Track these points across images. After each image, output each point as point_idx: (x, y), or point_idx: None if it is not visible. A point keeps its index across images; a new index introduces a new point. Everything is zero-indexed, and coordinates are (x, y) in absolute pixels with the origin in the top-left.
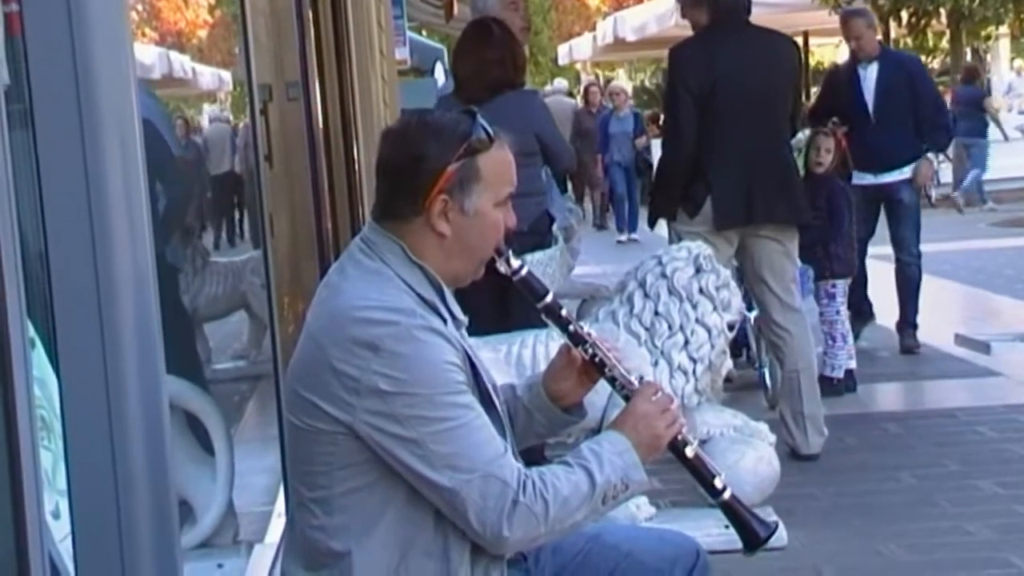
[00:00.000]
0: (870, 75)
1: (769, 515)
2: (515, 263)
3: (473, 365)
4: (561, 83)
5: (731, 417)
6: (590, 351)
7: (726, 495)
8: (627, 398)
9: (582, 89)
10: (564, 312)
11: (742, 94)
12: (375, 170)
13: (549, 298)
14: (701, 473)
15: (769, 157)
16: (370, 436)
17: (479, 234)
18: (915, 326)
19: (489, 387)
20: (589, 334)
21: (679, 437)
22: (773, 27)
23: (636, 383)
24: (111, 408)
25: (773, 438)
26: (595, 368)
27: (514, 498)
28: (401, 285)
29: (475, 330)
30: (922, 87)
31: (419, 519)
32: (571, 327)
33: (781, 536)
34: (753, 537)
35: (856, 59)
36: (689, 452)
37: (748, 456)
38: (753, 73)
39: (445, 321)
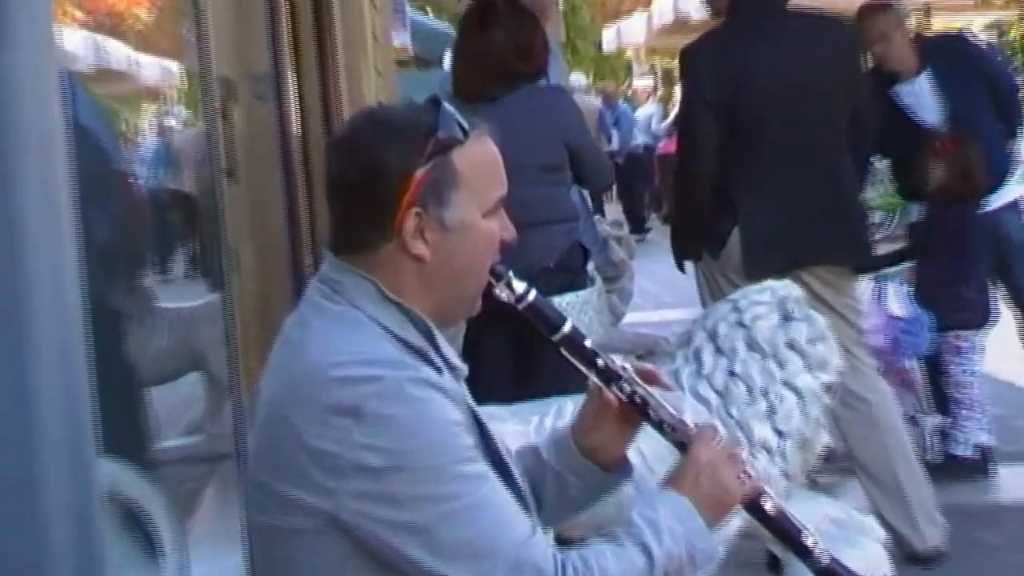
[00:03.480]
0: (919, 90)
1: None
2: (519, 286)
3: (480, 425)
4: (579, 78)
5: (829, 508)
6: (627, 389)
7: (824, 559)
8: (681, 446)
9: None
10: (589, 343)
11: (777, 99)
12: (327, 194)
13: (567, 327)
14: (787, 532)
15: (818, 178)
16: (360, 526)
17: (468, 253)
18: None
19: (503, 452)
20: (624, 368)
21: (754, 489)
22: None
23: (691, 426)
24: (31, 500)
25: (884, 534)
26: (636, 410)
27: None
28: (379, 331)
29: (493, 394)
30: (994, 71)
31: None
32: (600, 361)
33: None
34: None
35: (881, 74)
36: (769, 507)
37: (853, 559)
38: (791, 72)
39: (440, 371)
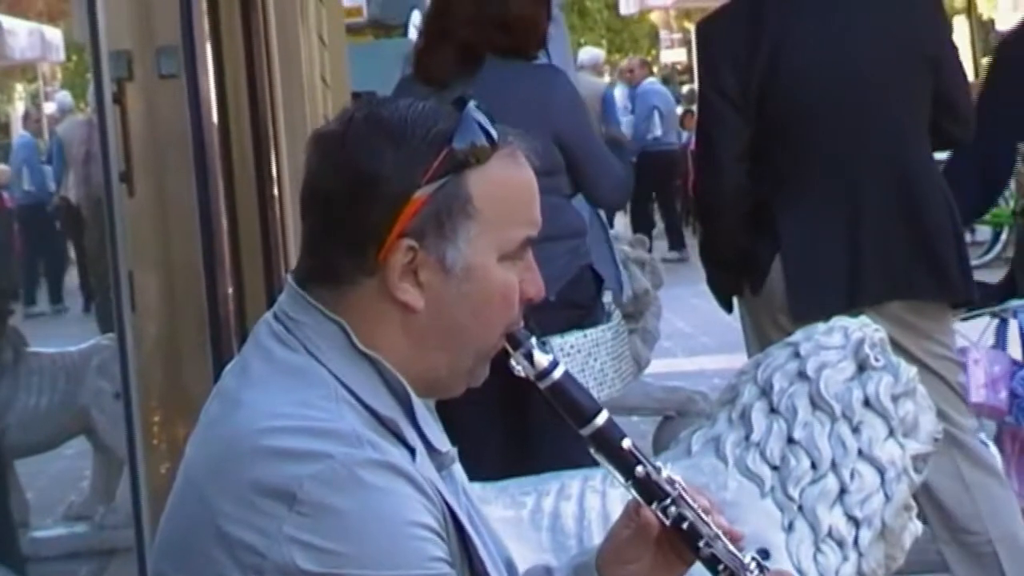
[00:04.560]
0: None
1: None
2: (543, 360)
3: (461, 529)
4: (594, 53)
5: None
6: (673, 511)
7: None
8: None
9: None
10: (628, 444)
11: (824, 87)
12: (300, 202)
13: (601, 419)
14: None
15: (886, 186)
16: None
17: (473, 307)
18: None
19: (492, 571)
20: (671, 481)
21: None
22: None
23: (753, 567)
24: None
25: None
26: (682, 540)
27: None
28: (340, 392)
29: (475, 469)
30: None
31: None
32: (640, 470)
33: None
34: None
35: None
36: None
37: None
38: (843, 48)
39: (412, 453)
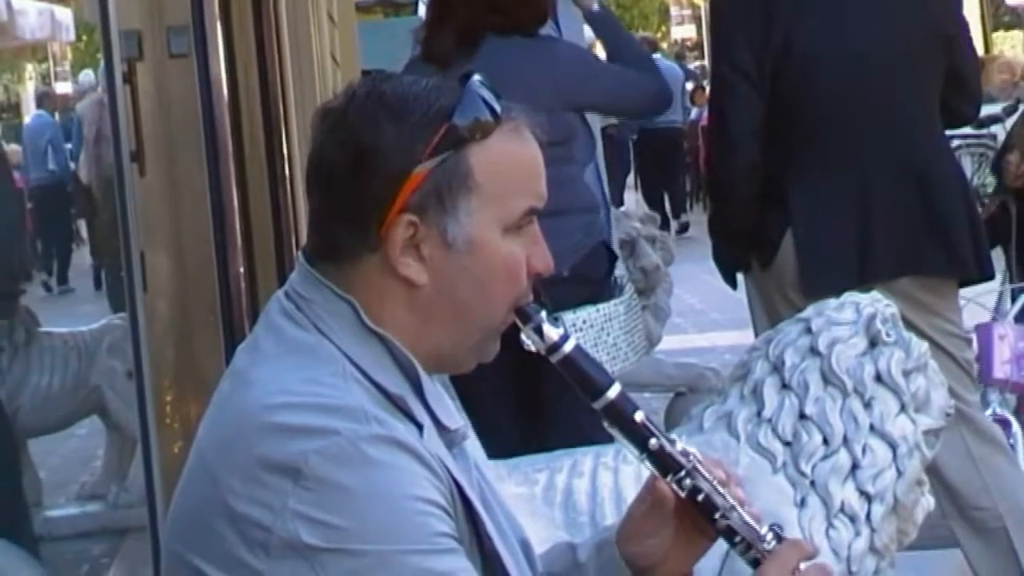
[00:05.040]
0: None
1: None
2: (553, 333)
3: (470, 506)
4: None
5: None
6: (688, 483)
7: None
8: (755, 563)
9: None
10: (640, 416)
11: (838, 63)
12: (306, 177)
13: (614, 391)
14: None
15: (898, 163)
16: None
17: (477, 280)
18: None
19: (502, 549)
20: (686, 453)
21: None
22: None
23: (770, 538)
24: None
25: None
26: (700, 513)
27: None
28: (348, 369)
29: (489, 445)
30: None
31: None
32: (654, 443)
33: None
34: None
35: None
36: None
37: None
38: (859, 25)
39: (420, 429)
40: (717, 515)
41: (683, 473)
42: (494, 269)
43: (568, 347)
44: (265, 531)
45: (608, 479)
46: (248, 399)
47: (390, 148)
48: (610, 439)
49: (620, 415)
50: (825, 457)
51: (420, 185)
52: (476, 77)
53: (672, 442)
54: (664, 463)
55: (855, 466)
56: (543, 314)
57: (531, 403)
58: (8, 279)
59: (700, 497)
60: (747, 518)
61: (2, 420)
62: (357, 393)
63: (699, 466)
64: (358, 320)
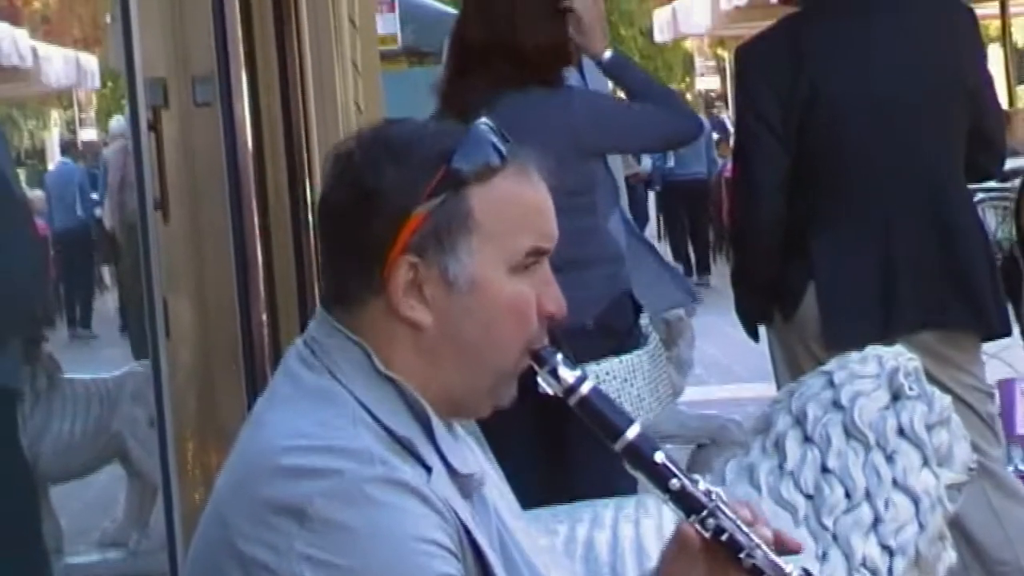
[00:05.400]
0: None
1: None
2: (569, 376)
3: (479, 550)
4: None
5: None
6: (712, 523)
7: None
8: None
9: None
10: (661, 457)
11: (868, 113)
12: (316, 222)
13: (633, 432)
14: None
15: (923, 216)
16: None
17: (483, 322)
18: None
19: None
20: (708, 493)
21: None
22: None
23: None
24: None
25: None
26: (725, 552)
27: None
28: (358, 412)
29: (516, 495)
30: None
31: None
32: (675, 483)
33: None
34: None
35: None
36: None
37: None
38: (885, 77)
39: (429, 471)
40: (742, 554)
41: (705, 513)
42: (499, 309)
43: (585, 389)
44: (271, 573)
45: (629, 531)
46: (259, 442)
47: (391, 189)
48: (633, 489)
49: (641, 456)
50: (847, 511)
51: (420, 226)
52: (483, 120)
53: (695, 482)
54: (687, 503)
55: (877, 520)
56: (559, 357)
57: (559, 454)
58: (30, 326)
59: (724, 537)
60: (772, 556)
61: (23, 466)
62: (365, 436)
63: (722, 505)
64: (370, 365)
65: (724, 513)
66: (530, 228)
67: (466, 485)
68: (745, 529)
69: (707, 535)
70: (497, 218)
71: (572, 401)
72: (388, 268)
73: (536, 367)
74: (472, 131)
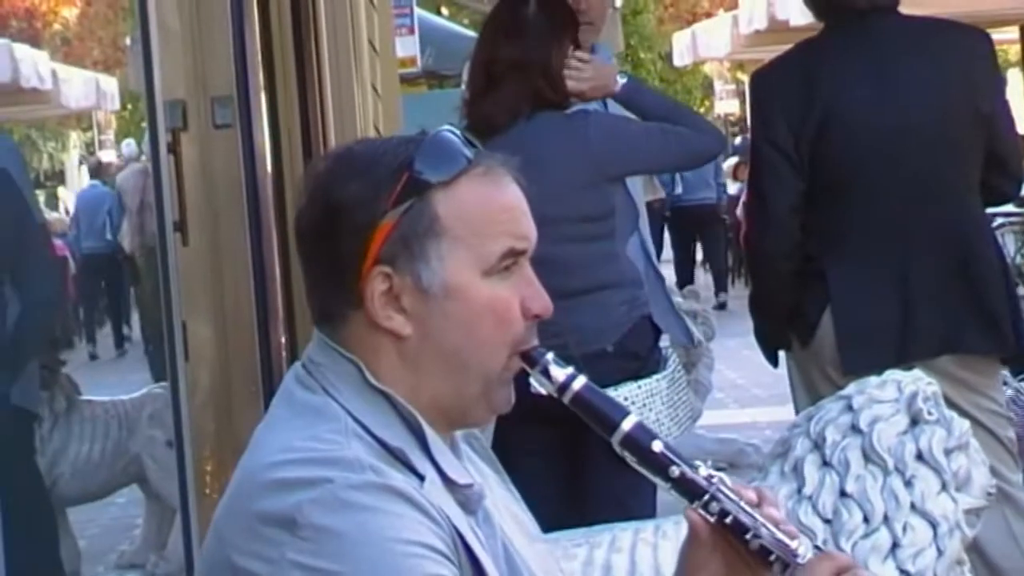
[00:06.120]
0: None
1: None
2: (560, 373)
3: (477, 564)
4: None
5: None
6: (716, 507)
7: None
8: None
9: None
10: (659, 446)
11: (884, 138)
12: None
13: (628, 423)
14: None
15: (939, 242)
16: None
17: (463, 326)
18: None
19: None
20: (709, 478)
21: None
22: None
23: (802, 552)
24: None
25: None
26: (734, 536)
27: None
28: (350, 425)
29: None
30: None
31: None
32: (675, 470)
33: None
34: None
35: None
36: None
37: None
38: (901, 104)
39: (421, 480)
40: (748, 535)
41: (707, 497)
42: (477, 312)
43: (577, 385)
44: None
45: (647, 555)
46: (253, 461)
47: (355, 202)
48: (651, 513)
49: (638, 446)
50: (865, 535)
51: (388, 235)
52: (446, 126)
53: (695, 468)
54: (689, 490)
55: (895, 545)
56: (550, 356)
57: (575, 477)
58: (49, 348)
59: (728, 519)
60: (779, 535)
61: (42, 488)
62: (356, 447)
63: (724, 488)
64: (362, 378)
65: (726, 495)
66: (501, 230)
67: (467, 499)
68: (749, 510)
69: (712, 519)
70: (465, 221)
71: (566, 398)
72: (363, 281)
73: (527, 368)
74: (433, 137)
